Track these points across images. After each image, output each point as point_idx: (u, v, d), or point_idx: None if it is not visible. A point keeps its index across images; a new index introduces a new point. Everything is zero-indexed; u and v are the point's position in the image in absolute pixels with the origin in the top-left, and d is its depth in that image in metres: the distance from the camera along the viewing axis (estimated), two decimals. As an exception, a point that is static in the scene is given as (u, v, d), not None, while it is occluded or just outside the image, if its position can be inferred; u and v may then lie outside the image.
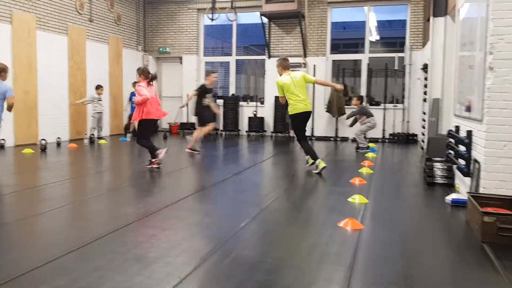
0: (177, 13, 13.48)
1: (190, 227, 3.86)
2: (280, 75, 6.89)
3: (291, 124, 7.33)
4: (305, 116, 6.72)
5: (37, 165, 7.40)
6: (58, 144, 9.72)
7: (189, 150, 8.61)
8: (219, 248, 3.30)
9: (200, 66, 13.64)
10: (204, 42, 13.72)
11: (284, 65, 6.84)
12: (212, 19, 11.44)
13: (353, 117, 9.89)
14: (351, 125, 10.11)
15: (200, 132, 8.58)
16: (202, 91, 8.41)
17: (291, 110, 6.73)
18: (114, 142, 10.70)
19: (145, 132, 6.87)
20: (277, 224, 4.08)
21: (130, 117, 11.35)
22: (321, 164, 6.53)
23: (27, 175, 6.58)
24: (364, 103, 10.41)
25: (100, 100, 10.74)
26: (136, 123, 6.97)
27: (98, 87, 10.74)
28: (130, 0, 13.05)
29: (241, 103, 13.08)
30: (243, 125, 12.99)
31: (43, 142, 8.79)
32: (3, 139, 8.70)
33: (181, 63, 13.69)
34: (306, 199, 5.27)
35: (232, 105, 12.79)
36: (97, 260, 2.99)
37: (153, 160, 6.79)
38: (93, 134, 10.43)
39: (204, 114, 8.52)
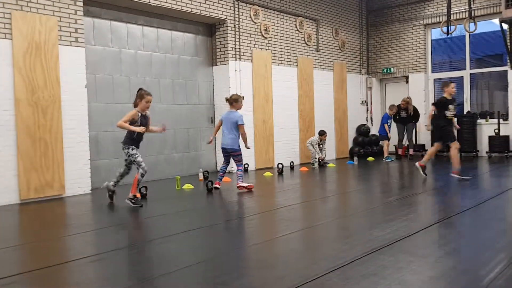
0: (401, 32, 13.18)
1: (450, 256, 3.53)
2: None
3: None
4: None
5: (279, 187, 8.05)
6: (292, 167, 10.44)
7: (420, 166, 8.34)
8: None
9: (428, 83, 12.95)
10: (432, 58, 13.00)
11: None
12: (447, 33, 10.72)
13: None
14: None
15: (434, 149, 8.28)
16: (443, 104, 7.90)
17: None
18: (341, 166, 10.91)
19: None
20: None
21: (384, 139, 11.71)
22: None
23: (270, 197, 7.20)
24: None
25: (322, 145, 10.86)
26: None
27: (322, 133, 10.83)
28: (353, 25, 13.36)
29: (478, 120, 11.82)
30: (482, 145, 11.68)
31: (280, 166, 9.55)
32: (246, 164, 9.79)
33: (406, 82, 13.26)
34: None
35: (468, 123, 11.61)
36: (362, 282, 2.97)
37: None
38: (315, 158, 10.74)
39: (448, 129, 7.94)
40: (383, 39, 13.57)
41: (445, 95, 7.97)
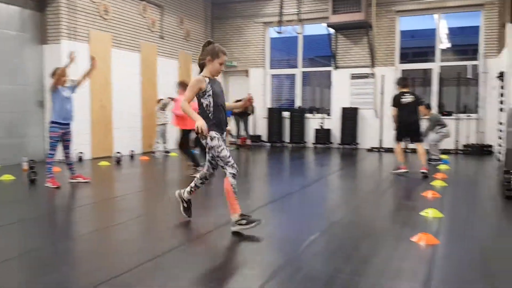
0: (243, 27, 13.77)
1: (262, 240, 3.87)
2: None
3: None
4: None
5: (112, 177, 7.79)
6: (132, 156, 10.20)
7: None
8: (290, 262, 3.28)
9: (266, 79, 13.80)
10: (270, 55, 13.89)
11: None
12: (279, 32, 11.56)
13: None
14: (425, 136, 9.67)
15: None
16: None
17: None
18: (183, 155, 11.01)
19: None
20: (349, 238, 4.00)
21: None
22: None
23: (102, 187, 6.93)
24: (433, 111, 9.76)
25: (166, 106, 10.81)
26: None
27: (158, 101, 10.92)
28: (198, 16, 13.52)
29: (307, 115, 13.04)
30: (309, 137, 12.93)
31: (118, 155, 9.25)
32: (81, 152, 9.26)
33: (247, 76, 13.95)
34: (377, 213, 5.13)
35: (298, 117, 12.79)
36: (172, 270, 3.09)
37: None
38: (157, 147, 10.68)
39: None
40: (226, 33, 14.03)
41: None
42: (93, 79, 9.69)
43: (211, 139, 3.94)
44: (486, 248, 3.68)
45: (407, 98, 7.44)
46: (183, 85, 7.38)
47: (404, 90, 7.52)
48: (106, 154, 10.06)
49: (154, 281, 2.89)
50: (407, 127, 7.45)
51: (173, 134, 12.13)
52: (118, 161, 9.11)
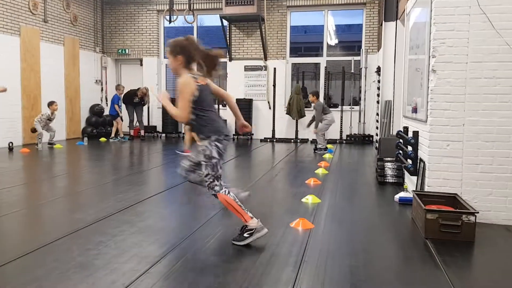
0: (136, 14, 13.29)
1: (142, 232, 3.80)
2: None
3: None
4: None
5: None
6: (11, 149, 9.40)
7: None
8: (169, 252, 3.28)
9: (161, 68, 13.50)
10: (165, 44, 13.58)
11: None
12: (170, 21, 11.35)
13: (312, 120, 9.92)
14: (308, 125, 10.13)
15: None
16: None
17: None
18: (70, 147, 10.43)
19: None
20: (232, 226, 4.08)
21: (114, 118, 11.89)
22: None
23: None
24: (321, 100, 10.24)
25: (51, 120, 10.10)
26: None
27: (52, 103, 10.06)
28: (87, 0, 12.76)
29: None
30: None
31: (-6, 147, 8.46)
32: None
33: (141, 65, 13.51)
34: (262, 201, 5.30)
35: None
36: (37, 270, 2.90)
37: None
38: (40, 138, 9.94)
39: None
40: (118, 19, 13.43)
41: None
42: (-38, 64, 8.75)
43: None
44: (356, 229, 4.00)
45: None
46: None
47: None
48: (-21, 147, 9.15)
49: (8, 286, 2.71)
50: None
51: (61, 126, 11.49)
52: (-7, 155, 8.33)
